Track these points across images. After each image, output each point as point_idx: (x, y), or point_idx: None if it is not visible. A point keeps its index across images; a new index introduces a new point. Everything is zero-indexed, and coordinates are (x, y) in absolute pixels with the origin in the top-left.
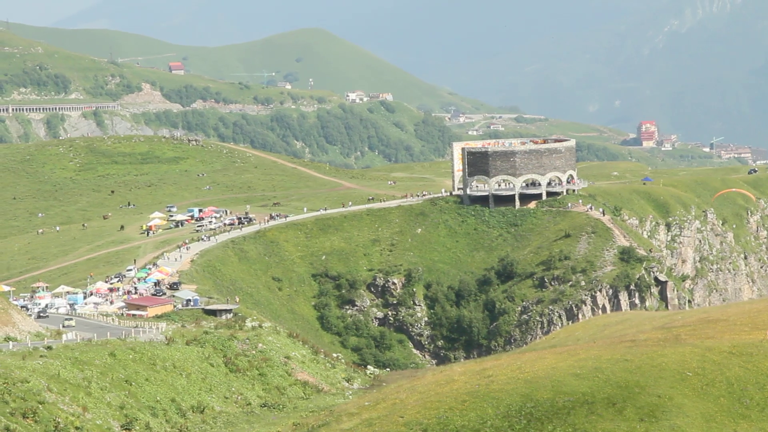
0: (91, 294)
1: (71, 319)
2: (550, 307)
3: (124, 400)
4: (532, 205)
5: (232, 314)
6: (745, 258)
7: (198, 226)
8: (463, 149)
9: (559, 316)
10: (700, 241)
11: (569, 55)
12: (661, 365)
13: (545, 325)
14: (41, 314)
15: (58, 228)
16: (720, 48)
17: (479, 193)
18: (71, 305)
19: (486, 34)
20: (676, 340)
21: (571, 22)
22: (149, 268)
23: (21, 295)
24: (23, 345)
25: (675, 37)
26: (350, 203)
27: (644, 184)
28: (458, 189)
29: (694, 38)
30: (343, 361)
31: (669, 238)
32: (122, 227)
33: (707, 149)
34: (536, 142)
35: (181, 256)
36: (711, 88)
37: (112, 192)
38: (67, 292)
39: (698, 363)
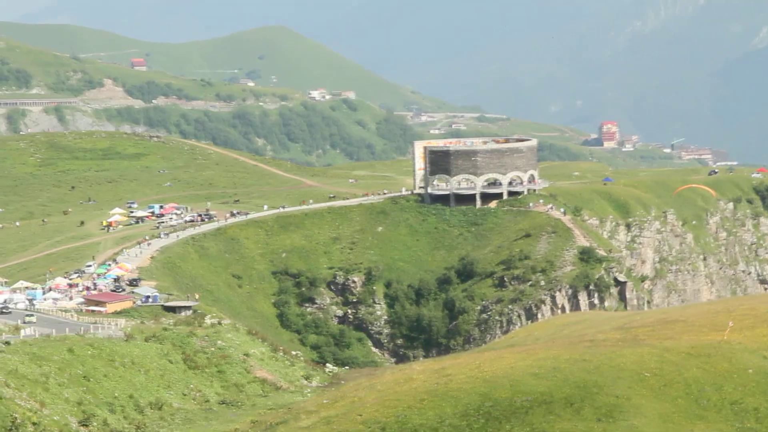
0: (50, 290)
1: (32, 315)
2: (510, 306)
3: (82, 396)
4: (493, 204)
5: (191, 311)
6: (705, 259)
7: (158, 223)
8: (424, 148)
9: (519, 316)
10: (659, 241)
11: (531, 55)
12: (619, 365)
13: (504, 324)
14: (3, 310)
15: (17, 223)
16: (682, 50)
17: (440, 192)
18: (30, 300)
19: (448, 33)
20: (634, 341)
21: (534, 23)
22: (109, 264)
23: None
24: None
25: (637, 38)
26: (311, 201)
27: (605, 184)
28: (419, 188)
29: (656, 40)
30: (302, 358)
31: (629, 238)
32: (82, 223)
33: (668, 150)
34: (498, 142)
35: (141, 253)
36: (672, 89)
37: (73, 188)
38: (26, 288)
39: (656, 363)
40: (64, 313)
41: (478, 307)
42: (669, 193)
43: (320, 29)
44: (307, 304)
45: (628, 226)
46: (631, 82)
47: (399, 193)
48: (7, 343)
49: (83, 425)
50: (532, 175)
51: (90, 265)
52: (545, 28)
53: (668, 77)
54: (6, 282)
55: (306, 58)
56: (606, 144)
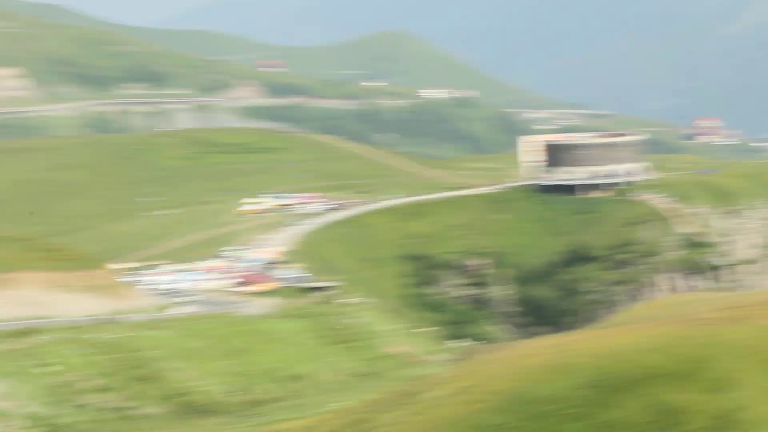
0: (203, 271)
1: (188, 294)
2: (618, 288)
3: (234, 368)
4: (600, 194)
5: (329, 291)
6: None
7: (297, 211)
8: (536, 142)
9: (626, 298)
10: (760, 228)
11: (635, 55)
12: (725, 342)
13: (613, 305)
14: (164, 291)
15: (170, 211)
16: None
17: (550, 183)
18: (184, 282)
19: (558, 35)
20: (739, 319)
21: (636, 25)
22: (255, 248)
23: (140, 271)
24: (142, 317)
25: (734, 38)
26: (434, 191)
27: (705, 175)
28: (531, 179)
29: (752, 39)
30: (432, 335)
31: (730, 225)
32: (229, 210)
33: (766, 144)
34: (603, 136)
35: (283, 238)
36: None
37: (217, 179)
38: (181, 270)
39: (762, 341)
40: (215, 292)
41: (589, 289)
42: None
43: (437, 33)
44: (433, 286)
45: (729, 214)
46: (731, 79)
47: (512, 184)
48: (166, 320)
49: (236, 395)
50: (635, 167)
51: (238, 249)
52: (648, 31)
53: (765, 74)
54: (162, 264)
55: (424, 59)
56: (703, 139)
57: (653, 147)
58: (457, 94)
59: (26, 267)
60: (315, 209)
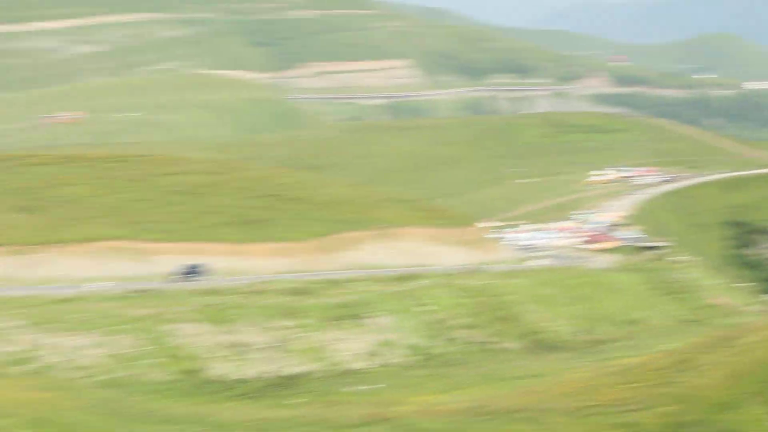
0: (555, 230)
1: (542, 250)
2: None
3: (580, 312)
4: None
5: (662, 250)
6: None
7: (636, 182)
8: None
9: None
10: None
11: None
12: None
13: None
14: (522, 247)
15: (529, 180)
16: None
17: None
18: (539, 239)
19: None
20: None
21: None
22: (599, 212)
23: (503, 230)
24: (503, 268)
25: None
26: (754, 167)
27: None
28: None
29: None
30: (748, 290)
31: None
32: (578, 180)
33: None
34: None
35: (623, 204)
36: None
37: (569, 154)
38: (537, 229)
39: None
40: (566, 249)
41: None
42: None
43: (762, 34)
44: (751, 248)
45: None
46: None
47: None
48: (523, 270)
49: (581, 335)
50: None
51: (586, 213)
52: None
53: None
54: (523, 224)
55: (750, 56)
56: None
57: None
58: None
59: (410, 223)
60: (651, 181)
